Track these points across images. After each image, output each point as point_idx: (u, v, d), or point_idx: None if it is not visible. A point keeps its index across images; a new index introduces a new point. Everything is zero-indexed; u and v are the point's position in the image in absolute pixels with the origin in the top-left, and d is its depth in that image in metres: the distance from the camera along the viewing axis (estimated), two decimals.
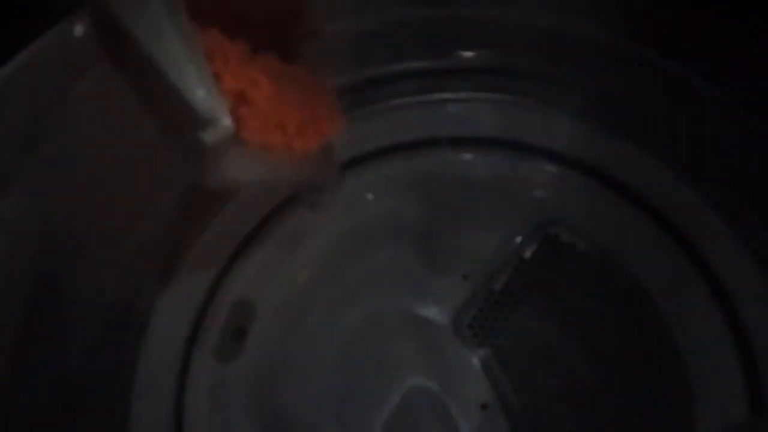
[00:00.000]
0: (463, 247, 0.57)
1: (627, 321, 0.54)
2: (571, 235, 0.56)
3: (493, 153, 0.58)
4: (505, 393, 0.52)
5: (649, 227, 0.55)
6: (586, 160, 0.57)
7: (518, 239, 0.56)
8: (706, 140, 0.52)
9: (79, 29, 0.43)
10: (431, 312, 0.56)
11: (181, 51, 0.30)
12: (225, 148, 0.32)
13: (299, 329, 0.56)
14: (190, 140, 0.31)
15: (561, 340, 0.54)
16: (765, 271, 0.50)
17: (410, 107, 0.60)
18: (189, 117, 0.30)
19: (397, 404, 0.53)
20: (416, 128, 0.60)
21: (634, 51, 0.52)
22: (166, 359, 0.53)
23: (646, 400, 0.51)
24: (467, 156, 0.59)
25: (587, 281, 0.55)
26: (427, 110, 0.60)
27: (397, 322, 0.56)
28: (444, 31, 0.57)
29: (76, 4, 0.42)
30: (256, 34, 0.37)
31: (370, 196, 0.59)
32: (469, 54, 0.59)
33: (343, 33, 0.55)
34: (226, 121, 0.31)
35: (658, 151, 0.55)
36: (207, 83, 0.30)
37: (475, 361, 0.54)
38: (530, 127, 0.58)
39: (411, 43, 0.58)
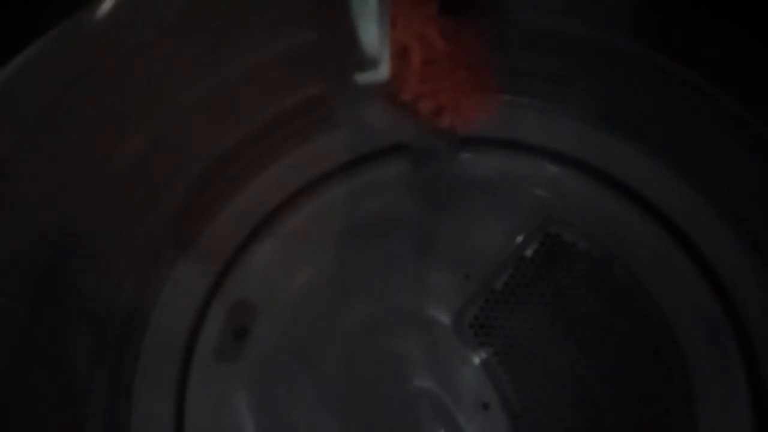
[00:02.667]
0: (463, 247, 0.57)
1: (628, 320, 0.54)
2: (572, 235, 0.56)
3: (494, 152, 0.58)
4: (506, 392, 0.52)
5: (650, 226, 0.55)
6: (587, 160, 0.57)
7: (519, 238, 0.56)
8: (706, 140, 0.52)
9: (84, 26, 0.43)
10: (432, 311, 0.56)
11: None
12: (373, 94, 0.33)
13: (300, 329, 0.56)
14: (347, 79, 0.33)
15: (562, 339, 0.54)
16: (766, 271, 0.50)
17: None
18: (355, 56, 0.31)
19: (398, 404, 0.53)
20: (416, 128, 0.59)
21: (635, 51, 0.52)
22: (167, 359, 0.53)
23: (647, 398, 0.51)
24: (468, 155, 0.59)
25: (588, 280, 0.55)
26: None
27: (398, 322, 0.56)
28: None
29: (78, 4, 0.42)
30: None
31: (370, 196, 0.59)
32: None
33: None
34: (383, 70, 0.32)
35: (658, 151, 0.55)
36: (382, 33, 0.31)
37: (476, 360, 0.54)
38: (531, 127, 0.58)
39: None
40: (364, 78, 0.33)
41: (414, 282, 0.57)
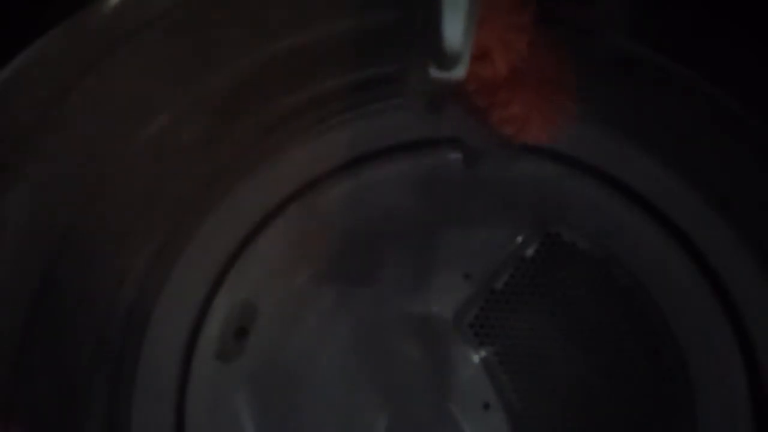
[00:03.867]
0: (464, 247, 0.57)
1: (628, 320, 0.54)
2: (573, 235, 0.56)
3: (495, 152, 0.58)
4: (507, 392, 0.52)
5: (651, 226, 0.55)
6: (587, 160, 0.57)
7: (519, 238, 0.56)
8: (707, 141, 0.52)
9: (85, 25, 0.43)
10: (432, 311, 0.56)
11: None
12: (444, 89, 0.32)
13: (300, 329, 0.56)
14: (422, 69, 0.33)
15: (562, 338, 0.54)
16: (766, 270, 0.50)
17: (410, 108, 0.60)
18: (436, 52, 0.31)
19: (399, 404, 0.53)
20: (418, 127, 0.59)
21: (635, 52, 0.52)
22: (167, 359, 0.53)
23: (647, 398, 0.51)
24: (468, 155, 0.59)
25: (588, 280, 0.55)
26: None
27: (398, 322, 0.56)
28: None
29: (78, 4, 0.42)
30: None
31: (370, 196, 0.59)
32: None
33: (343, 32, 0.55)
34: (461, 70, 0.32)
35: (658, 151, 0.55)
36: (467, 33, 0.31)
37: (477, 360, 0.54)
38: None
39: (411, 44, 0.58)
40: (439, 74, 0.33)
41: (414, 282, 0.57)
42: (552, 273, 0.55)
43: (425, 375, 0.54)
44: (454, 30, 0.31)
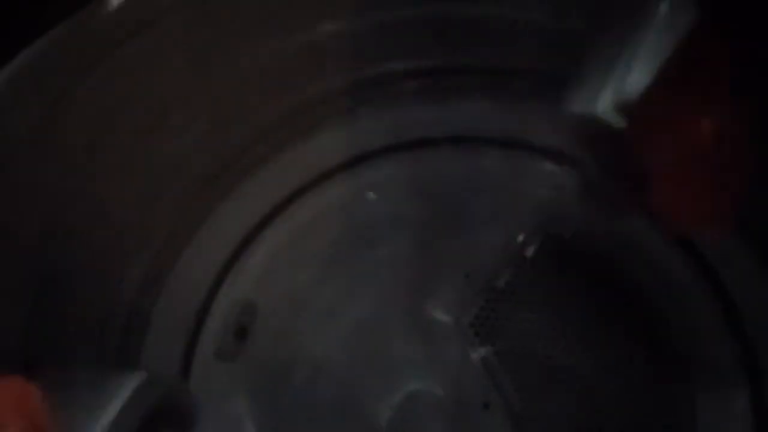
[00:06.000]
0: (464, 246, 0.57)
1: (628, 320, 0.54)
2: (573, 235, 0.56)
3: (495, 152, 0.58)
4: (507, 392, 0.52)
5: (650, 227, 0.55)
6: (588, 159, 0.57)
7: (520, 238, 0.56)
8: None
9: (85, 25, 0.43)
10: (432, 311, 0.56)
11: None
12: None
13: (300, 329, 0.55)
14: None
15: (563, 338, 0.54)
16: (766, 271, 0.50)
17: (411, 107, 0.60)
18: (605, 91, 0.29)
19: (399, 404, 0.53)
20: (418, 127, 0.59)
21: None
22: (167, 358, 0.53)
23: (648, 398, 0.51)
24: (469, 155, 0.59)
25: (589, 280, 0.55)
26: (429, 109, 0.60)
27: (399, 322, 0.56)
28: (447, 30, 0.57)
29: (78, 4, 0.42)
30: None
31: (371, 195, 0.59)
32: (471, 53, 0.59)
33: (344, 32, 0.55)
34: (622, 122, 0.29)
35: None
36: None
37: (477, 359, 0.54)
38: (532, 126, 0.58)
39: (413, 42, 0.58)
40: (604, 115, 0.29)
41: (415, 281, 0.57)
42: (552, 273, 0.55)
43: (425, 374, 0.54)
44: (638, 79, 0.28)
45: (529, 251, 0.56)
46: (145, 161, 0.51)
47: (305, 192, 0.58)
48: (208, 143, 0.55)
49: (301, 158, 0.58)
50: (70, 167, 0.46)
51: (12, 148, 0.42)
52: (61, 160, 0.45)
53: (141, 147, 0.50)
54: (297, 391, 0.54)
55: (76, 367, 0.44)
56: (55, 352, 0.46)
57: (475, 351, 0.54)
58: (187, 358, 0.54)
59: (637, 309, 0.54)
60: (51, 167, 0.45)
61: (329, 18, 0.53)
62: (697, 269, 0.53)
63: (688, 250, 0.54)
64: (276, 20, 0.51)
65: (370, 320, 0.56)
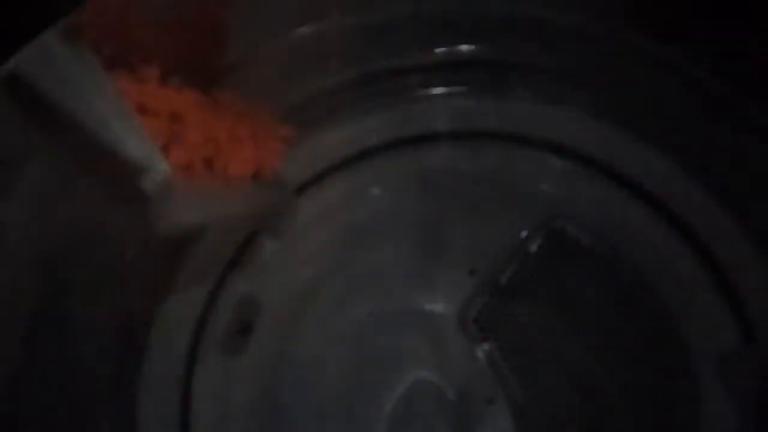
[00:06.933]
0: (468, 242, 0.57)
1: (632, 314, 0.54)
2: (577, 229, 0.56)
3: (499, 147, 0.58)
4: (511, 387, 0.52)
5: (654, 220, 0.55)
6: (592, 154, 0.57)
7: (524, 233, 0.56)
8: (712, 135, 0.52)
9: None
10: (437, 306, 0.56)
11: (104, 107, 0.30)
12: (167, 192, 0.31)
13: (305, 324, 0.56)
14: (133, 192, 0.31)
15: (566, 333, 0.54)
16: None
17: (415, 102, 0.59)
18: (126, 169, 0.30)
19: (402, 399, 0.53)
20: (421, 123, 0.59)
21: (640, 45, 0.51)
22: (171, 355, 0.53)
23: (651, 393, 0.51)
24: (473, 150, 0.59)
25: (592, 275, 0.55)
26: (432, 104, 0.59)
27: (403, 317, 0.56)
28: (449, 25, 0.57)
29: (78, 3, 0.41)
30: (170, 69, 0.36)
31: (375, 191, 0.59)
32: (474, 48, 0.58)
33: (346, 28, 0.55)
34: (162, 165, 0.31)
35: (662, 145, 0.55)
36: (136, 132, 0.30)
37: (481, 355, 0.54)
38: (536, 121, 0.57)
39: (416, 38, 0.57)
40: (150, 182, 0.31)
41: (419, 277, 0.57)
42: (556, 268, 0.55)
43: (430, 370, 0.54)
44: (128, 143, 0.30)
45: (533, 247, 0.56)
46: None
47: (309, 187, 0.58)
48: None
49: (305, 154, 0.58)
50: (71, 167, 0.45)
51: (13, 148, 0.42)
52: (62, 159, 0.44)
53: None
54: (301, 385, 0.54)
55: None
56: (58, 351, 0.46)
57: (479, 346, 0.54)
58: (192, 354, 0.54)
59: (640, 304, 0.54)
60: (52, 167, 0.44)
61: (336, 11, 0.53)
62: (700, 263, 0.53)
63: (692, 244, 0.54)
64: (284, 14, 0.51)
65: (374, 316, 0.56)
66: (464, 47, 0.58)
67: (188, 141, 0.34)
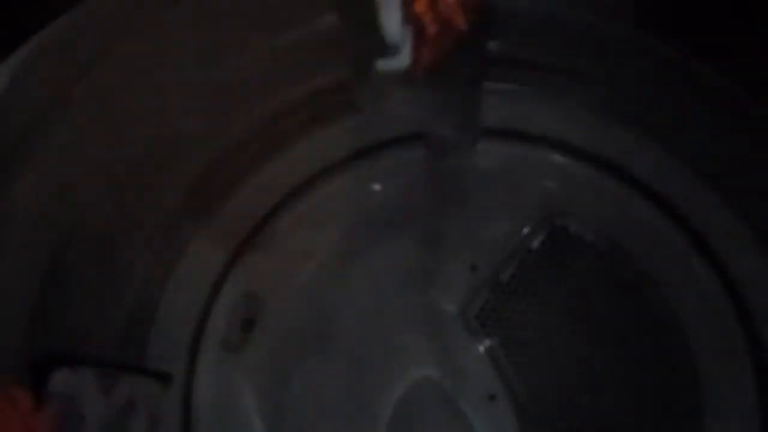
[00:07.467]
0: (471, 238, 0.57)
1: (634, 311, 0.54)
2: (579, 226, 0.56)
3: (502, 143, 0.58)
4: (513, 383, 0.52)
5: (657, 218, 0.55)
6: (595, 151, 0.57)
7: (526, 230, 0.56)
8: (715, 132, 0.52)
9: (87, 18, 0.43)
10: (439, 302, 0.56)
11: None
12: (394, 80, 0.36)
13: (306, 320, 0.56)
14: (369, 65, 0.35)
15: (568, 329, 0.54)
16: None
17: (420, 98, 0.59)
18: (375, 42, 0.34)
19: (404, 395, 0.53)
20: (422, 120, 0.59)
21: (645, 43, 0.51)
22: (174, 349, 0.54)
23: (653, 388, 0.51)
24: (476, 146, 0.58)
25: (594, 272, 0.55)
26: (435, 101, 0.59)
27: (405, 313, 0.56)
28: None
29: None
30: None
31: (377, 187, 0.59)
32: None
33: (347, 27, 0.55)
34: (405, 56, 0.35)
35: (666, 143, 0.55)
36: (401, 22, 0.34)
37: (483, 351, 0.54)
38: (539, 118, 0.57)
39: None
40: (385, 64, 0.35)
41: (421, 273, 0.57)
42: (558, 264, 0.55)
43: (431, 366, 0.54)
44: (391, 19, 0.33)
45: (535, 243, 0.56)
46: (150, 154, 0.51)
47: (312, 184, 0.58)
48: (210, 137, 0.55)
49: (309, 148, 0.58)
50: (75, 159, 0.46)
51: (20, 138, 0.42)
52: (67, 151, 0.45)
53: (145, 140, 0.50)
54: (303, 381, 0.54)
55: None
56: (60, 344, 0.46)
57: (481, 342, 0.54)
58: (194, 349, 0.54)
59: (642, 299, 0.53)
60: (57, 158, 0.44)
61: (332, 13, 0.52)
62: (704, 261, 0.53)
63: (694, 240, 0.54)
64: (277, 16, 0.51)
65: (376, 312, 0.56)
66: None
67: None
